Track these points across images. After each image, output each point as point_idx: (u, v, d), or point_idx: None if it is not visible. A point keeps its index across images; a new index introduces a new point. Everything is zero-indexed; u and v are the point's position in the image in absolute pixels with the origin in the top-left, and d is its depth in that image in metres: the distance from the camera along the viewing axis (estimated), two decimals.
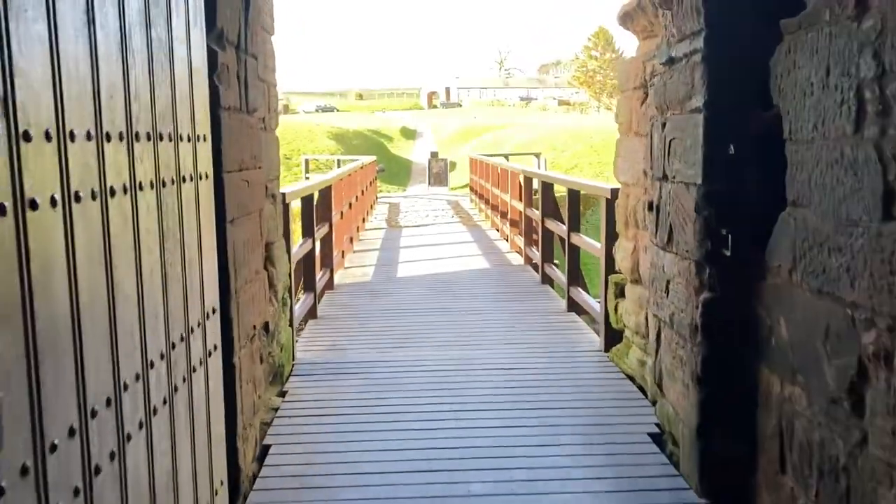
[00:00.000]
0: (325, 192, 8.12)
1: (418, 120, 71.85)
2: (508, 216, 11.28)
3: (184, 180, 2.62)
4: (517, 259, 10.08)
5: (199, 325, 2.77)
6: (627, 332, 5.11)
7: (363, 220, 13.69)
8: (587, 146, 26.21)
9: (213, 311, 2.99)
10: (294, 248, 6.43)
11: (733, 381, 3.25)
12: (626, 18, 4.91)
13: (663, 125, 3.82)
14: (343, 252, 9.66)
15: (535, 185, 9.45)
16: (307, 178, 20.74)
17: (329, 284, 8.14)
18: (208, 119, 2.99)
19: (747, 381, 3.16)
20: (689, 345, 3.50)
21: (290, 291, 5.45)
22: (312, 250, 6.86)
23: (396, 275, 9.13)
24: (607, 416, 4.40)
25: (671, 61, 3.72)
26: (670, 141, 3.72)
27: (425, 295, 7.86)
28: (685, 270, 3.55)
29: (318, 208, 8.16)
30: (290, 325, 5.47)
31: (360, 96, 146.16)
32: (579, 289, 6.89)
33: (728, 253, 3.25)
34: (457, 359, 5.49)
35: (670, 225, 3.73)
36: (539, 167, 21.24)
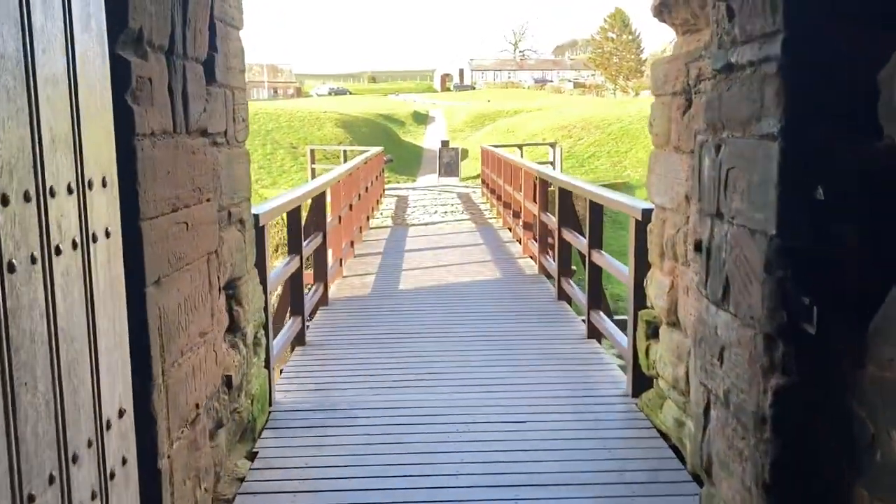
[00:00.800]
0: (319, 199, 7.34)
1: (431, 103, 70.87)
2: (521, 217, 10.46)
3: (58, 252, 1.85)
4: (531, 266, 9.29)
5: (90, 445, 2.01)
6: (662, 383, 4.32)
7: (367, 217, 12.91)
8: (605, 135, 25.27)
9: (121, 414, 2.23)
10: (276, 269, 5.67)
11: (814, 497, 2.47)
12: (663, 9, 4.08)
13: (717, 148, 3.01)
14: (342, 260, 8.89)
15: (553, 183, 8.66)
16: (313, 169, 19.98)
17: (323, 299, 7.39)
18: (113, 155, 2.21)
19: (835, 501, 2.37)
20: (754, 439, 2.70)
21: (266, 327, 4.69)
22: (300, 269, 6.09)
23: (399, 286, 8.36)
24: (639, 487, 3.63)
25: (729, 68, 2.90)
26: (728, 171, 2.90)
27: (429, 313, 7.09)
28: (748, 341, 2.75)
29: (310, 217, 7.40)
30: (267, 366, 4.71)
31: (373, 79, 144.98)
32: (601, 314, 6.09)
33: (812, 330, 2.45)
34: (461, 406, 4.72)
35: (726, 277, 2.93)
36: (554, 158, 20.36)
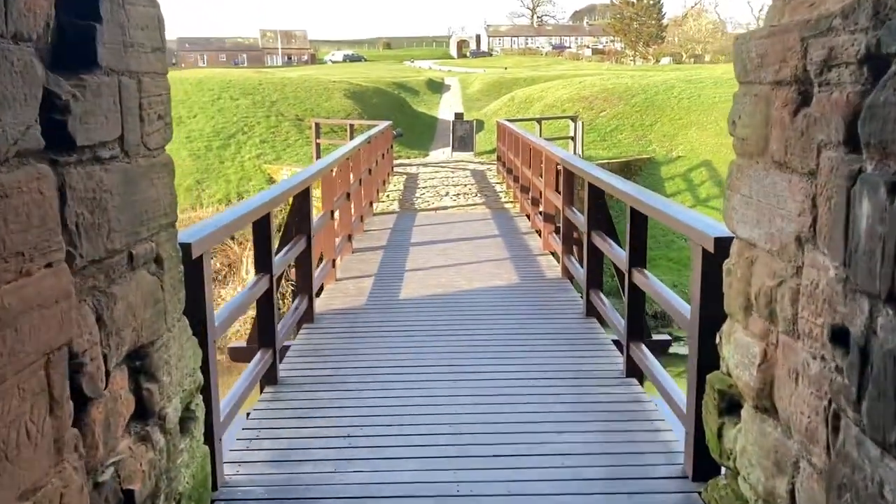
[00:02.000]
0: (302, 197, 6.14)
1: (446, 71, 69.15)
2: (542, 207, 9.22)
3: None
4: (552, 267, 8.08)
5: None
6: (745, 488, 3.12)
7: (371, 203, 11.71)
8: (628, 106, 23.78)
9: None
10: (232, 301, 4.49)
11: None
12: None
13: (893, 188, 1.80)
14: (334, 261, 7.71)
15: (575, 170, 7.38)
16: (317, 144, 18.76)
17: (308, 315, 6.23)
18: None
19: None
20: None
21: (207, 388, 3.53)
22: (270, 290, 4.91)
23: (400, 293, 7.17)
24: None
25: None
26: None
27: (433, 334, 5.91)
28: None
29: (291, 218, 6.21)
30: (209, 439, 3.56)
31: (388, 45, 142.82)
32: (645, 350, 4.88)
33: None
34: (467, 495, 3.55)
35: None
36: (576, 132, 19.00)
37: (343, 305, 6.77)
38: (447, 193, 13.90)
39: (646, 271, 4.85)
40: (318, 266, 7.29)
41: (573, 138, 19.04)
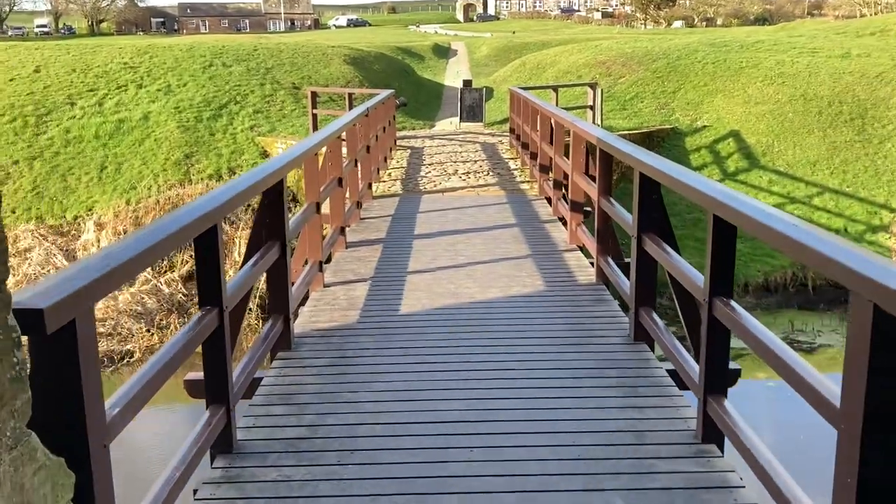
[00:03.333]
0: (273, 193, 4.77)
1: (453, 35, 67.15)
2: (568, 193, 7.86)
3: None
4: (583, 267, 6.74)
5: None
6: None
7: (370, 185, 10.35)
8: (648, 72, 22.18)
9: None
10: (170, 345, 3.16)
11: None
12: None
13: None
14: (321, 263, 6.36)
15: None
16: (314, 115, 17.33)
17: (283, 341, 4.92)
18: None
19: None
20: None
21: None
22: (220, 328, 3.57)
23: (400, 305, 5.84)
24: None
25: None
26: None
27: (440, 372, 4.60)
28: None
29: (261, 217, 4.87)
30: None
31: (393, 9, 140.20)
32: (728, 408, 3.55)
33: None
34: None
35: None
36: (594, 100, 17.50)
37: (329, 324, 5.46)
38: (455, 172, 12.51)
39: (735, 305, 3.50)
40: (300, 272, 5.97)
41: (592, 107, 17.56)
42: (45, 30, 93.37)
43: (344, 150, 8.46)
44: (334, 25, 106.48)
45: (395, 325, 5.39)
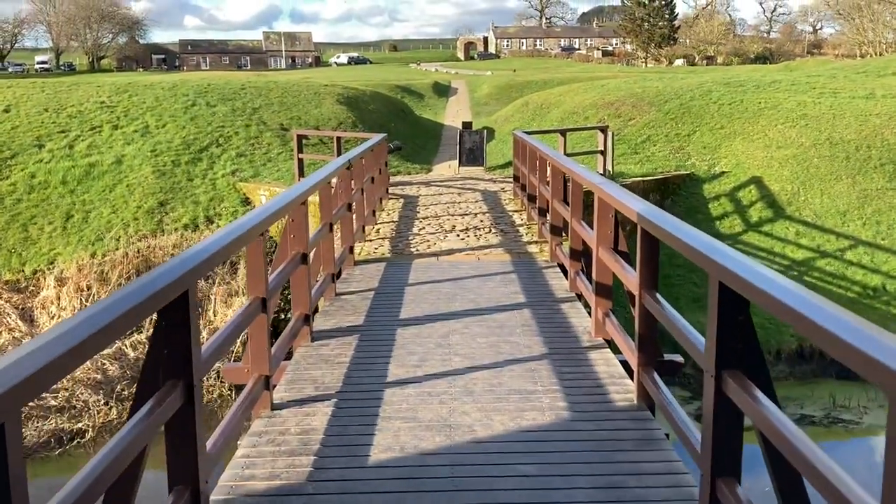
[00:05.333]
0: (178, 302, 3.20)
1: (453, 73, 66.30)
2: (592, 273, 6.28)
3: None
4: (617, 379, 5.13)
5: None
6: None
7: (352, 248, 8.79)
8: (661, 113, 20.77)
9: None
10: None
11: None
12: None
13: None
14: (268, 378, 4.73)
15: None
16: (300, 159, 15.86)
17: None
18: None
19: None
20: None
21: None
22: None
23: (371, 449, 4.20)
24: None
25: None
26: None
27: None
28: None
29: (156, 341, 3.30)
30: None
31: (395, 47, 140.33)
32: None
33: None
34: None
35: None
36: (605, 145, 16.04)
37: (269, 483, 3.83)
38: (453, 228, 10.96)
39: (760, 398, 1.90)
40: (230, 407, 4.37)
41: (602, 152, 16.10)
42: (46, 66, 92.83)
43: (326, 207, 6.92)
44: (335, 63, 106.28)
45: (358, 489, 3.75)
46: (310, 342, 5.98)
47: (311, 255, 6.36)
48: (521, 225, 11.06)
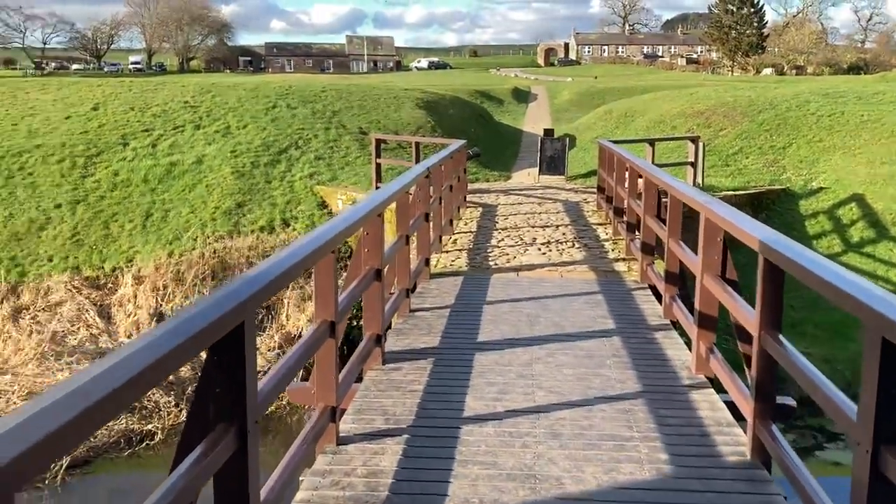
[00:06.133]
0: (230, 341, 2.80)
1: (533, 79, 65.58)
2: (695, 302, 5.66)
3: None
4: (723, 428, 4.50)
5: None
6: None
7: (427, 261, 8.35)
8: (754, 124, 19.71)
9: None
10: None
11: None
12: None
13: None
14: (334, 410, 4.30)
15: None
16: (378, 164, 15.56)
17: None
18: None
19: None
20: None
21: None
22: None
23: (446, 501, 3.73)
24: None
25: None
26: None
27: None
28: None
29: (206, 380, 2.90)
30: None
31: (475, 53, 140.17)
32: None
33: None
34: None
35: None
36: (696, 157, 15.22)
37: None
38: (533, 241, 10.41)
39: None
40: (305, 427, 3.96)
41: (693, 164, 15.27)
42: (139, 66, 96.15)
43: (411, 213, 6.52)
44: (416, 67, 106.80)
45: None
46: (381, 365, 5.55)
47: (385, 269, 5.94)
48: (607, 240, 10.43)
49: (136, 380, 1.97)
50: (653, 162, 13.87)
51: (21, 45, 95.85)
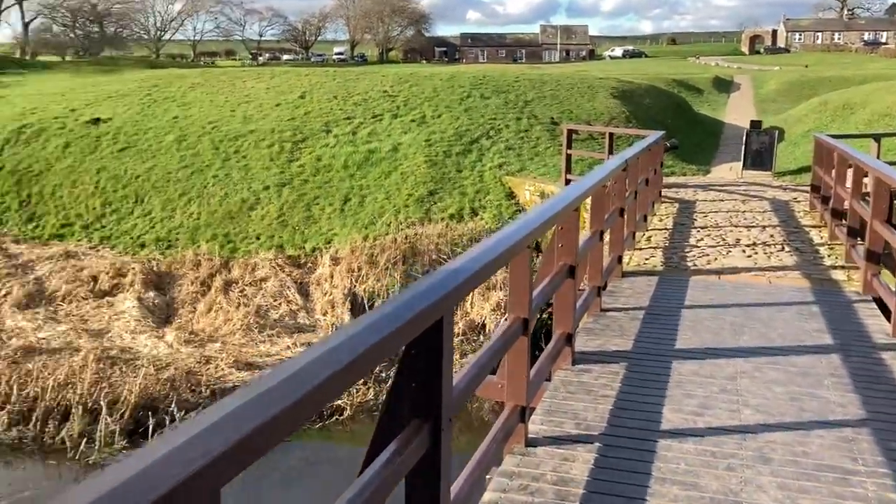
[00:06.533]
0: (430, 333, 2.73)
1: (736, 68, 61.85)
2: None
3: None
4: None
5: None
6: None
7: (620, 258, 7.99)
8: None
9: None
10: None
11: None
12: None
13: None
14: (524, 409, 4.16)
15: None
16: (568, 155, 15.24)
17: None
18: None
19: None
20: None
21: None
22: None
23: None
24: None
25: None
26: None
27: None
28: None
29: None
30: None
31: (673, 41, 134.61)
32: None
33: None
34: None
35: None
36: None
37: None
38: (737, 242, 9.70)
39: None
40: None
41: None
42: (342, 57, 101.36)
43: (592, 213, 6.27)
44: (609, 56, 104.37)
45: None
46: (570, 365, 5.34)
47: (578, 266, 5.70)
48: (822, 244, 9.51)
49: (337, 377, 1.91)
50: (879, 158, 12.52)
51: (240, 38, 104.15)
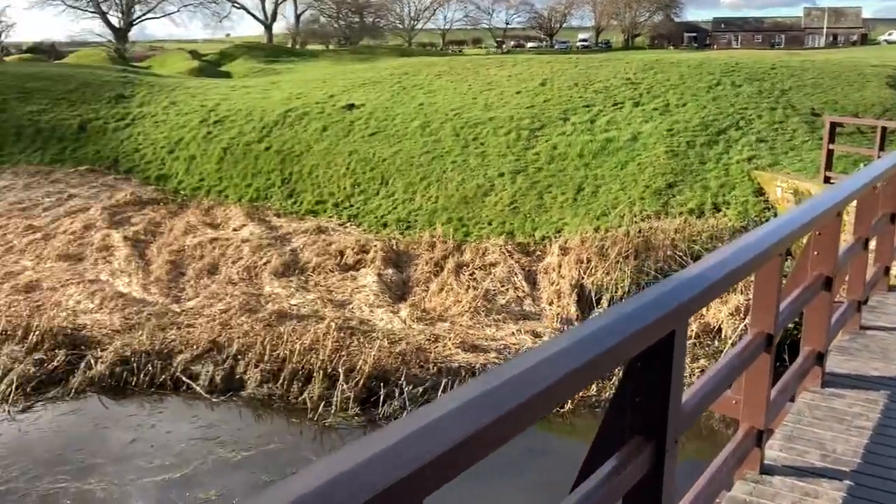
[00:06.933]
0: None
1: None
2: None
3: None
4: None
5: None
6: None
7: (887, 269, 7.05)
8: None
9: None
10: None
11: None
12: None
13: None
14: (761, 433, 3.77)
15: None
16: (830, 151, 13.81)
17: None
18: None
19: None
20: None
21: None
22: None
23: None
24: None
25: None
26: None
27: None
28: None
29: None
30: None
31: None
32: None
33: None
34: None
35: None
36: None
37: None
38: None
39: None
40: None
41: None
42: (586, 44, 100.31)
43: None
44: (885, 41, 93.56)
45: None
46: (819, 387, 4.78)
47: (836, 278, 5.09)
48: None
49: (554, 388, 1.79)
50: None
51: (488, 26, 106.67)
